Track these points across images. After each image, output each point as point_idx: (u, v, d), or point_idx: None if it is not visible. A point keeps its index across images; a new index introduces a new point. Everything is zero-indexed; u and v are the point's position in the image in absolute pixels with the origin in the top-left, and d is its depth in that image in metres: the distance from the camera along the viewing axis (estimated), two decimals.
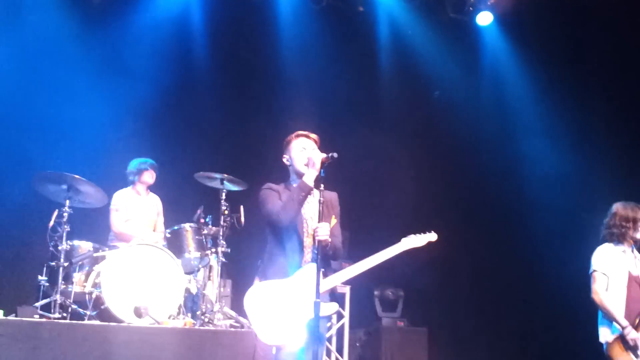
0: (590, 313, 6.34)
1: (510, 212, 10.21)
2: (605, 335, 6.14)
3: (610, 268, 6.21)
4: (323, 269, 4.72)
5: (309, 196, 4.97)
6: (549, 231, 9.55)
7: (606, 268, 6.21)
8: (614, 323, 6.06)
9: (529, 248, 9.70)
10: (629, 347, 5.95)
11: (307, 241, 4.91)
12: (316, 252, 4.77)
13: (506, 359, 9.81)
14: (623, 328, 5.98)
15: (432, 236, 5.16)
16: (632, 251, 6.33)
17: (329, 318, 4.70)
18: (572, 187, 9.62)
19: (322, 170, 4.77)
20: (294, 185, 4.98)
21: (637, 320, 6.00)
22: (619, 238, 6.29)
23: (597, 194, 9.02)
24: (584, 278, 6.34)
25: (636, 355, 5.92)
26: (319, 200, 4.71)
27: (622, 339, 5.98)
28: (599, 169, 9.36)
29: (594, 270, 6.25)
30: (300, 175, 4.96)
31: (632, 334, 5.94)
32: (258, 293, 4.78)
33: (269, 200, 4.93)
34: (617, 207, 6.38)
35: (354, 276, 4.90)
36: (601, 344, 6.15)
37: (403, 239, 5.03)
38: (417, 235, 5.10)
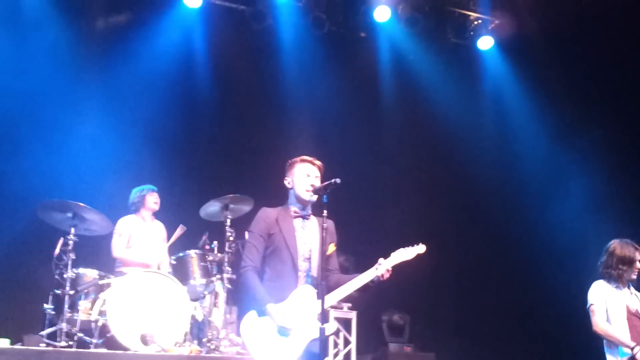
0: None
1: (514, 234, 10.21)
2: None
3: (607, 302, 6.23)
4: (317, 290, 4.75)
5: (306, 222, 5.02)
6: (555, 251, 9.53)
7: (603, 302, 6.23)
8: (621, 347, 6.04)
9: (537, 269, 9.68)
10: None
11: (303, 265, 4.91)
12: (314, 278, 4.84)
13: None
14: (632, 348, 5.95)
15: (421, 248, 5.07)
16: (629, 288, 6.35)
17: (327, 338, 4.68)
18: (575, 208, 9.63)
19: (324, 196, 4.78)
20: (292, 208, 5.02)
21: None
22: (615, 279, 6.28)
23: (603, 213, 9.08)
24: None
25: None
26: (323, 227, 4.72)
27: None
28: (602, 192, 9.39)
29: (591, 304, 6.27)
30: (300, 200, 4.99)
31: None
32: (254, 320, 4.77)
33: (250, 247, 4.95)
34: (615, 246, 6.35)
35: (359, 301, 4.89)
36: None
37: (392, 254, 4.97)
38: (406, 248, 5.03)
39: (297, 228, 4.99)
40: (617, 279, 6.27)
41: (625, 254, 6.26)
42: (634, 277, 6.28)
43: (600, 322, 6.18)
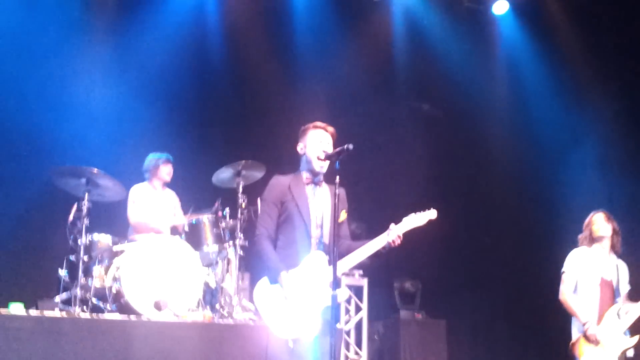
0: None
1: (529, 201, 10.17)
2: (573, 335, 6.37)
3: (580, 271, 6.44)
4: (329, 257, 4.76)
5: (318, 188, 5.03)
6: (568, 214, 9.48)
7: (576, 270, 6.46)
8: (575, 319, 6.30)
9: (550, 234, 9.64)
10: (591, 342, 6.16)
11: (315, 232, 4.91)
12: (326, 245, 4.85)
13: (526, 350, 9.76)
14: (584, 324, 6.18)
15: (432, 213, 5.02)
16: (610, 256, 6.52)
17: (338, 305, 4.68)
18: (589, 171, 9.58)
19: (337, 162, 4.76)
20: (304, 175, 5.02)
21: (602, 318, 6.21)
22: (585, 243, 6.56)
23: (614, 189, 9.03)
24: None
25: (601, 352, 6.10)
26: (335, 194, 4.72)
27: (584, 336, 6.20)
28: (615, 154, 9.34)
29: (563, 272, 6.53)
30: (312, 166, 4.97)
31: (591, 329, 6.15)
32: (267, 287, 4.79)
33: (264, 215, 4.96)
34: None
35: (371, 268, 4.89)
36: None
37: (404, 219, 4.94)
38: (417, 213, 5.00)
39: (309, 195, 4.99)
40: (591, 242, 6.53)
41: (587, 219, 6.62)
42: (602, 232, 6.48)
43: (565, 291, 6.45)
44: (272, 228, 4.93)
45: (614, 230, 6.49)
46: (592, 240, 6.51)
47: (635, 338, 6.18)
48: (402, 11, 10.56)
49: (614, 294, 6.41)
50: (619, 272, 6.48)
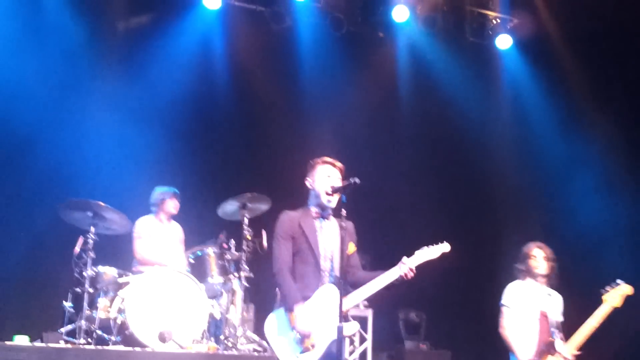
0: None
1: (534, 232, 10.16)
2: None
3: (519, 304, 6.44)
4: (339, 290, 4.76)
5: (326, 222, 5.08)
6: (573, 241, 9.48)
7: (514, 303, 6.45)
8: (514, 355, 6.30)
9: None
10: None
11: (325, 265, 4.96)
12: (336, 278, 4.86)
13: None
14: None
15: (445, 247, 5.08)
16: (545, 288, 6.53)
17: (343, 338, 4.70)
18: (591, 204, 9.60)
19: (343, 196, 4.80)
20: (312, 209, 5.07)
21: (540, 352, 6.22)
22: (523, 275, 6.56)
23: (622, 220, 9.05)
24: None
25: None
26: (341, 226, 4.75)
27: None
28: (616, 181, 9.39)
29: (502, 305, 6.52)
30: (320, 201, 5.01)
31: None
32: (277, 319, 4.83)
33: (279, 250, 4.99)
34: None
35: (376, 298, 4.91)
36: None
37: (416, 252, 4.99)
38: (430, 246, 5.04)
39: (318, 229, 5.04)
40: (526, 275, 6.53)
41: (523, 250, 6.60)
42: (537, 270, 6.47)
43: (505, 326, 6.43)
44: (290, 260, 4.96)
45: (551, 268, 6.52)
46: (527, 272, 6.54)
47: None
48: (407, 46, 10.64)
49: (549, 326, 6.44)
50: (553, 304, 6.54)
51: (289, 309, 4.77)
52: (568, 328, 6.52)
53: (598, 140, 9.76)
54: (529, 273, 6.51)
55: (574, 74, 10.14)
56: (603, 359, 7.26)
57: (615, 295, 6.25)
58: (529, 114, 10.68)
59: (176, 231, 8.13)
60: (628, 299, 6.29)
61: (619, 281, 6.32)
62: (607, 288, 6.32)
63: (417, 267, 4.94)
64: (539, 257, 6.50)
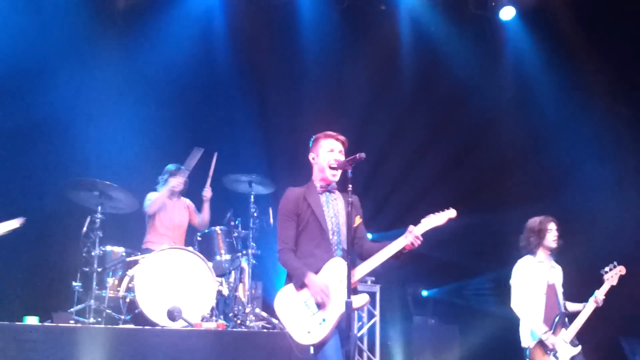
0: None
1: (537, 204, 10.17)
2: (526, 340, 6.58)
3: (528, 279, 6.62)
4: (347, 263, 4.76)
5: (331, 196, 5.07)
6: (577, 208, 9.50)
7: (524, 280, 6.63)
8: (534, 329, 6.48)
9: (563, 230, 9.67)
10: (549, 350, 6.39)
11: (333, 239, 4.95)
12: (344, 251, 4.85)
13: None
14: (543, 334, 6.39)
15: (451, 212, 5.04)
16: (550, 261, 6.75)
17: (352, 312, 4.72)
18: (599, 180, 9.60)
19: (349, 171, 4.79)
20: (317, 184, 5.07)
21: (554, 325, 6.44)
22: (531, 250, 6.73)
23: (625, 191, 9.04)
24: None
25: (556, 358, 6.35)
26: (348, 201, 4.74)
27: (541, 343, 6.41)
28: (627, 164, 9.36)
29: (512, 282, 6.72)
30: (324, 174, 5.01)
31: (550, 339, 6.37)
32: (288, 295, 4.83)
33: (283, 229, 4.99)
34: (528, 221, 6.86)
35: (384, 272, 4.91)
36: (522, 349, 6.60)
37: (422, 220, 4.97)
38: (436, 214, 5.02)
39: (324, 202, 5.03)
40: (534, 250, 6.71)
41: (535, 225, 6.75)
42: (553, 244, 6.68)
43: (518, 301, 6.60)
44: (293, 241, 4.95)
45: (561, 242, 6.72)
46: (540, 246, 6.70)
47: (579, 347, 6.43)
48: (409, 18, 10.58)
49: (557, 297, 6.63)
50: (558, 276, 6.77)
51: (300, 285, 4.78)
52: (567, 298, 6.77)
53: (602, 113, 9.72)
54: (543, 246, 6.68)
55: (577, 45, 10.07)
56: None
57: (614, 275, 6.61)
58: (532, 85, 10.64)
59: (185, 205, 8.11)
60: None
61: (615, 263, 6.67)
62: (606, 269, 6.66)
63: (425, 242, 4.93)
64: (554, 232, 6.67)
